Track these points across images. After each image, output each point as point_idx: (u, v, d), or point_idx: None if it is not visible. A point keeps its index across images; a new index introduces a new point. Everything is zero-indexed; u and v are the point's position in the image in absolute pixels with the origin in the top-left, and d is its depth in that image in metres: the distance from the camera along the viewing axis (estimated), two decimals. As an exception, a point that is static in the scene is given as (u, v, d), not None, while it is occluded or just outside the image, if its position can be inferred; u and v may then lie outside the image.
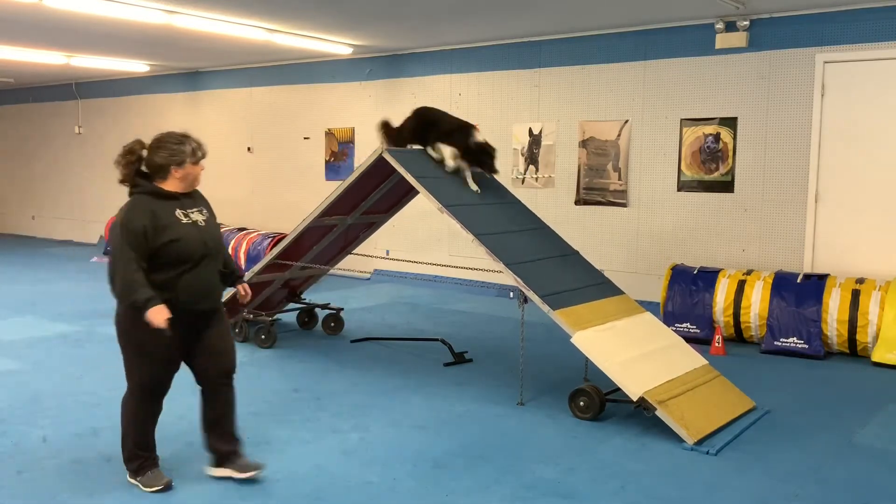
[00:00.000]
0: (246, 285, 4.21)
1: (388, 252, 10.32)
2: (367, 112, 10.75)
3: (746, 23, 7.65)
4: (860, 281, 6.75)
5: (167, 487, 3.84)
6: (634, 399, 4.70)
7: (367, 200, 6.81)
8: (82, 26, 8.71)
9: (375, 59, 10.56)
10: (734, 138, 7.88)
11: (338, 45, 9.84)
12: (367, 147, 10.39)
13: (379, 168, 5.94)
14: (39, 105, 15.62)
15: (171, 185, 3.77)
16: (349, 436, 4.68)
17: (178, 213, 3.74)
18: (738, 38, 7.71)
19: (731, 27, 7.76)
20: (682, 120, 8.20)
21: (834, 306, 6.62)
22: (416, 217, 9.42)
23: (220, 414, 3.98)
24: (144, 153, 3.77)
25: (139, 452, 3.88)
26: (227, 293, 5.81)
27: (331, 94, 11.12)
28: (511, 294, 9.11)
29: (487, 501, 3.81)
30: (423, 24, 8.45)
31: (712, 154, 8.02)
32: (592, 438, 4.68)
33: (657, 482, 4.06)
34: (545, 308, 5.01)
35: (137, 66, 12.32)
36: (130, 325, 3.69)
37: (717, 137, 7.98)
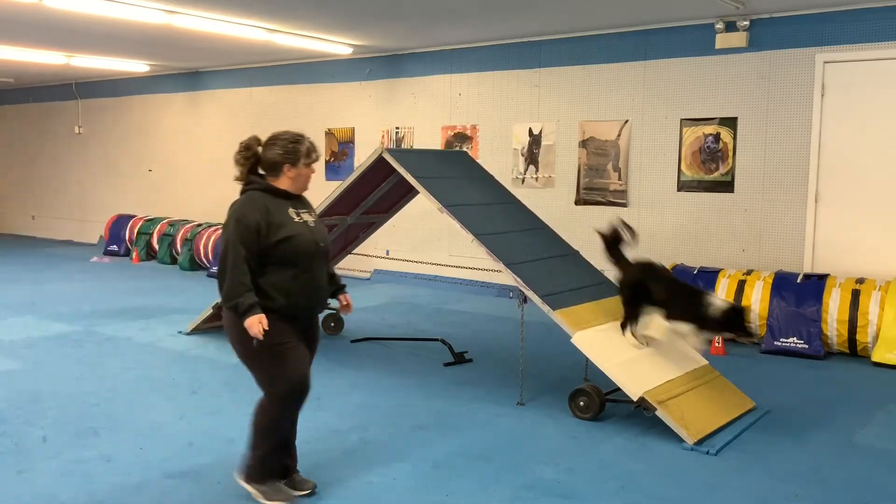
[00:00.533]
0: (348, 296, 4.05)
1: (388, 252, 10.32)
2: (367, 112, 10.76)
3: (746, 23, 7.65)
4: (860, 281, 6.75)
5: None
6: (634, 399, 4.70)
7: (367, 200, 6.82)
8: (82, 26, 8.71)
9: (375, 59, 10.57)
10: (734, 138, 7.88)
11: (338, 45, 9.84)
12: (367, 147, 10.40)
13: (379, 168, 5.94)
14: (39, 105, 15.62)
15: (282, 183, 3.69)
16: (349, 436, 4.68)
17: (291, 211, 3.66)
18: (738, 38, 7.71)
19: (731, 27, 7.76)
20: (682, 120, 8.20)
21: (834, 306, 6.62)
22: (416, 217, 9.42)
23: (292, 425, 3.85)
24: (260, 150, 3.70)
25: (271, 462, 3.73)
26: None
27: (331, 94, 11.12)
28: (511, 294, 9.11)
29: (487, 501, 3.81)
30: (423, 23, 8.45)
31: (712, 154, 8.02)
32: (592, 438, 4.68)
33: (657, 482, 4.06)
34: (545, 308, 5.01)
35: (137, 66, 12.32)
36: (244, 332, 3.51)
37: (717, 137, 7.98)
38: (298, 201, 3.77)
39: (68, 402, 5.22)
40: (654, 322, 4.98)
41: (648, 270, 5.14)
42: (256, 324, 3.43)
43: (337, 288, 4.00)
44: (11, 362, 6.21)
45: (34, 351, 6.57)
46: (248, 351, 3.56)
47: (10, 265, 11.79)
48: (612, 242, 5.24)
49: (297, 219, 3.65)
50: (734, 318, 4.82)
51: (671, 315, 4.90)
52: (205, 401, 5.29)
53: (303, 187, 3.77)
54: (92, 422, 4.85)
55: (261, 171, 3.71)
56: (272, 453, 3.72)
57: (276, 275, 3.56)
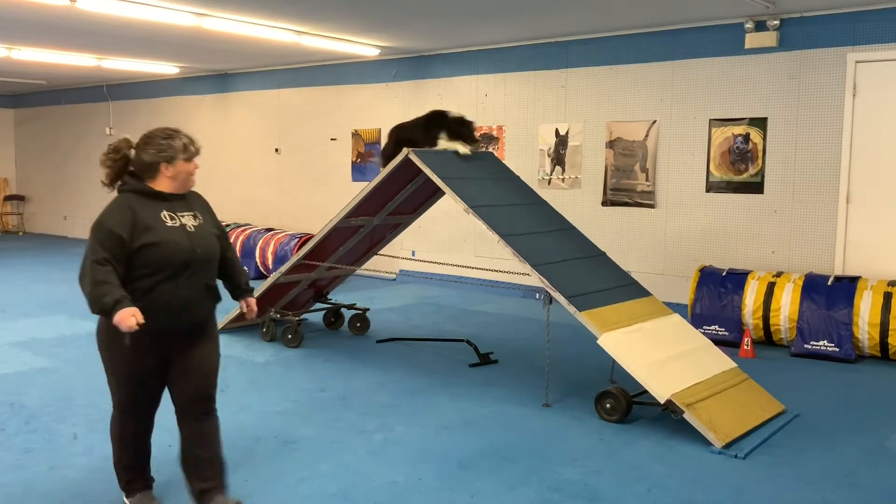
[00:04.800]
0: (251, 301, 3.77)
1: (413, 253, 10.34)
2: (394, 113, 10.77)
3: (776, 22, 7.56)
4: (892, 283, 6.64)
5: None
6: (661, 401, 4.67)
7: (394, 201, 6.83)
8: (113, 29, 8.82)
9: (402, 61, 10.59)
10: (764, 139, 7.79)
11: (365, 47, 9.88)
12: (394, 148, 10.41)
13: (405, 169, 5.96)
14: (71, 107, 15.86)
15: (161, 185, 3.40)
16: (375, 435, 4.69)
17: (164, 214, 3.35)
18: (768, 38, 7.62)
19: (760, 27, 7.68)
20: (710, 120, 8.12)
21: (865, 309, 6.52)
22: (441, 218, 9.44)
23: (197, 447, 3.51)
24: (132, 152, 3.43)
25: (127, 473, 3.61)
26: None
27: (357, 96, 11.16)
28: (537, 295, 9.08)
29: (512, 503, 3.80)
30: (450, 25, 8.46)
31: (742, 154, 7.94)
32: (619, 441, 4.65)
33: (684, 486, 4.02)
34: (571, 309, 4.99)
35: (167, 69, 12.46)
36: (105, 336, 3.37)
37: (746, 138, 7.90)
38: (180, 202, 3.45)
39: (99, 400, 5.29)
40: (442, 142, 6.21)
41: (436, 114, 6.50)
42: (129, 316, 3.08)
43: (241, 291, 3.75)
44: (44, 360, 6.31)
45: (66, 349, 6.67)
46: (102, 354, 3.42)
47: (42, 265, 11.98)
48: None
49: (170, 222, 3.33)
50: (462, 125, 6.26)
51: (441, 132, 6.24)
52: (232, 399, 5.34)
53: (185, 185, 3.47)
54: (122, 419, 4.91)
55: (134, 172, 3.45)
56: (128, 464, 3.60)
57: (138, 283, 3.26)
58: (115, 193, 3.46)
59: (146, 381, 3.44)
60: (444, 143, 6.21)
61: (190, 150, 3.45)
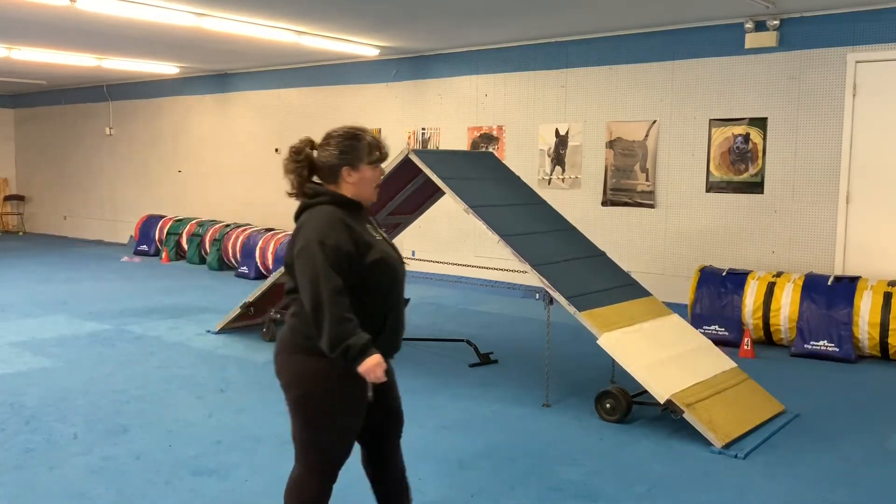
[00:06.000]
0: None
1: (413, 253, 10.34)
2: (394, 113, 10.78)
3: (776, 22, 7.56)
4: (892, 283, 6.64)
5: None
6: (661, 401, 4.67)
7: (393, 201, 6.83)
8: (113, 29, 8.82)
9: (402, 61, 10.59)
10: (764, 139, 7.79)
11: (365, 47, 9.88)
12: (394, 148, 10.38)
13: (405, 169, 5.96)
14: (71, 107, 15.86)
15: (344, 192, 2.91)
16: (375, 436, 4.68)
17: (370, 227, 2.91)
18: (768, 38, 7.62)
19: (760, 27, 7.68)
20: (710, 120, 8.12)
21: (865, 309, 6.52)
22: (442, 218, 9.43)
23: (401, 474, 3.21)
24: (315, 154, 2.93)
25: None
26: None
27: (357, 96, 11.16)
28: (537, 295, 9.08)
29: (512, 503, 3.80)
30: (450, 25, 8.46)
31: (742, 155, 7.94)
32: (619, 441, 4.65)
33: (684, 486, 4.02)
34: (571, 309, 4.99)
35: (167, 69, 12.46)
36: (325, 383, 2.78)
37: (746, 138, 7.90)
38: (364, 213, 3.00)
39: (99, 400, 5.29)
40: None
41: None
42: (376, 366, 2.66)
43: None
44: (44, 360, 6.32)
45: (66, 349, 6.67)
46: (306, 404, 2.82)
47: (42, 265, 11.97)
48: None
49: (376, 234, 2.90)
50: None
51: None
52: (233, 399, 5.34)
53: (368, 195, 2.97)
54: (122, 419, 4.91)
55: (317, 181, 2.95)
56: None
57: (367, 308, 2.79)
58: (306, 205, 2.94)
59: (357, 429, 2.92)
60: None
61: (375, 154, 2.93)
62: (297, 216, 2.93)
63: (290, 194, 2.95)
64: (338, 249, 2.71)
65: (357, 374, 2.67)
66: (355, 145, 2.89)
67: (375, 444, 3.11)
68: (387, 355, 2.81)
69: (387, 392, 3.02)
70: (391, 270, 2.85)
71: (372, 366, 2.65)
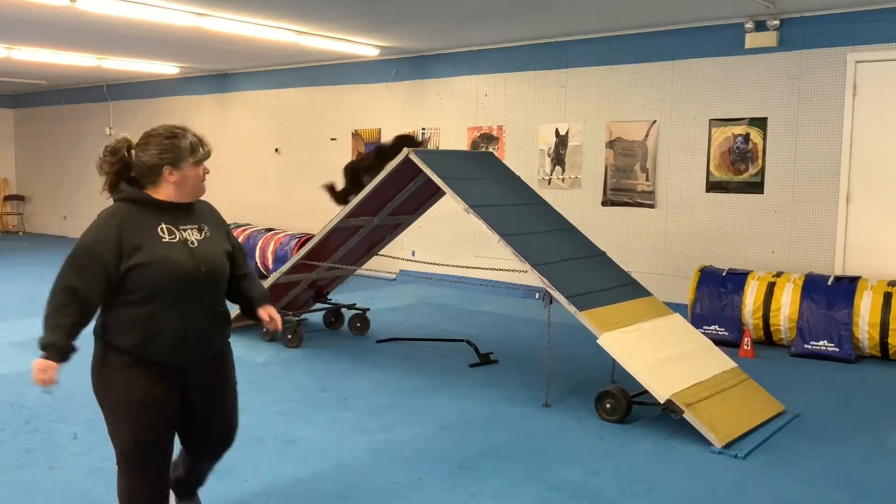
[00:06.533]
0: (272, 309, 3.21)
1: (413, 253, 10.34)
2: (394, 113, 10.79)
3: (776, 22, 7.56)
4: (892, 283, 6.64)
5: None
6: (661, 401, 4.67)
7: (394, 201, 6.83)
8: (113, 29, 8.83)
9: (402, 61, 10.59)
10: (764, 139, 7.80)
11: (365, 47, 9.88)
12: (394, 148, 10.41)
13: (405, 169, 5.96)
14: (71, 107, 15.86)
15: (164, 192, 2.90)
16: (375, 435, 4.69)
17: (162, 227, 2.86)
18: (768, 38, 7.62)
19: (760, 27, 7.68)
20: (710, 120, 8.13)
21: (865, 309, 6.52)
22: (442, 218, 9.43)
23: (198, 480, 3.36)
24: (133, 154, 2.92)
25: None
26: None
27: (357, 96, 11.16)
28: (537, 295, 9.08)
29: (512, 503, 3.80)
30: (450, 24, 8.46)
31: (742, 155, 7.94)
32: (619, 441, 4.65)
33: (684, 485, 4.02)
34: (571, 309, 4.99)
35: (167, 69, 12.46)
36: (98, 370, 2.90)
37: (746, 138, 7.90)
38: (184, 213, 2.95)
39: (99, 400, 5.29)
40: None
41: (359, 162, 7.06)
42: (45, 369, 2.72)
43: (257, 301, 3.19)
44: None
45: (66, 349, 6.65)
46: (104, 389, 2.90)
47: (42, 264, 11.97)
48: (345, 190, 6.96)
49: (167, 237, 2.84)
50: (404, 141, 6.57)
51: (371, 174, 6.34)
52: (232, 399, 5.33)
53: (194, 193, 2.96)
54: (122, 419, 4.91)
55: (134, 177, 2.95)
56: None
57: (129, 310, 2.80)
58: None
59: (155, 419, 2.88)
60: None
61: (199, 152, 2.92)
62: None
63: (102, 192, 3.05)
64: (88, 249, 2.78)
65: (117, 364, 2.83)
66: (176, 144, 2.88)
67: (188, 451, 3.20)
68: (162, 358, 2.86)
69: (214, 404, 3.08)
70: (157, 275, 2.79)
71: (39, 368, 2.73)
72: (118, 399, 2.85)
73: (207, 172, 2.98)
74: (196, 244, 2.92)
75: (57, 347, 2.74)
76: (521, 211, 5.93)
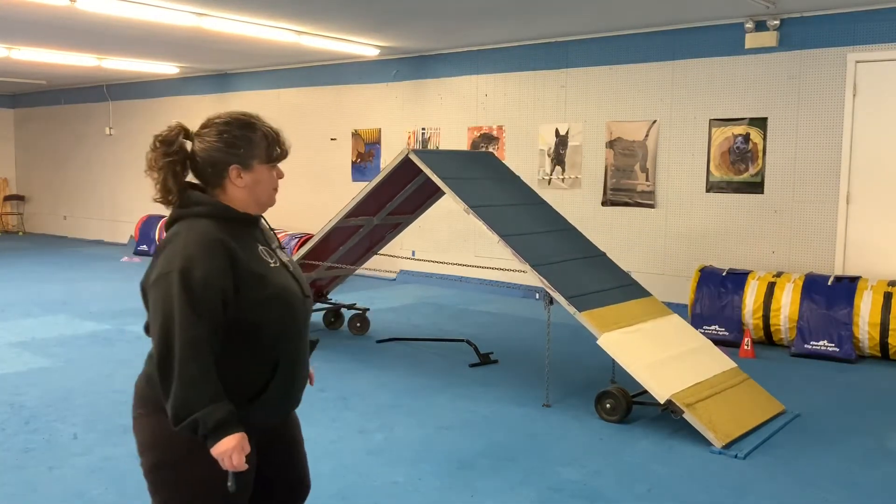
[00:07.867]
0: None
1: (413, 252, 10.34)
2: (394, 113, 10.78)
3: (777, 22, 7.56)
4: (892, 283, 6.64)
5: None
6: (661, 401, 4.67)
7: (393, 201, 6.84)
8: (113, 29, 8.82)
9: (402, 61, 10.59)
10: (764, 139, 7.79)
11: (365, 47, 9.88)
12: (394, 148, 10.42)
13: (405, 169, 5.96)
14: (71, 107, 15.86)
15: (231, 199, 2.19)
16: (375, 435, 4.69)
17: (262, 249, 2.20)
18: (768, 38, 7.62)
19: (760, 26, 7.68)
20: (710, 120, 8.12)
21: (865, 309, 6.52)
22: (441, 218, 9.44)
23: None
24: (190, 144, 2.19)
25: None
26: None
27: (358, 96, 11.16)
28: (537, 295, 9.08)
29: (513, 503, 3.80)
30: (450, 24, 8.46)
31: (742, 155, 7.94)
32: (619, 441, 4.65)
33: (684, 486, 4.02)
34: (571, 309, 4.99)
35: (167, 68, 12.46)
36: (185, 455, 2.09)
37: (746, 138, 7.90)
38: (259, 228, 2.29)
39: (99, 400, 5.29)
40: None
41: None
42: (237, 450, 2.01)
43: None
44: (44, 360, 6.31)
45: (66, 349, 6.66)
46: (166, 478, 2.18)
47: (42, 265, 11.97)
48: None
49: (271, 260, 2.20)
50: None
51: None
52: (232, 400, 5.33)
53: (268, 202, 2.26)
54: (122, 419, 4.90)
55: (195, 182, 2.21)
56: None
57: (234, 360, 2.10)
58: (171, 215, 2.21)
59: (245, 498, 2.19)
60: None
61: (274, 151, 2.23)
62: (168, 226, 2.19)
63: (156, 200, 2.19)
64: (206, 284, 2.01)
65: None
66: (249, 137, 2.17)
67: None
68: (275, 417, 2.23)
69: (291, 462, 2.39)
70: (288, 310, 2.16)
71: (226, 450, 1.99)
72: (208, 484, 2.09)
73: (282, 177, 2.27)
74: (292, 267, 2.28)
75: (235, 414, 2.04)
76: (521, 211, 5.93)
